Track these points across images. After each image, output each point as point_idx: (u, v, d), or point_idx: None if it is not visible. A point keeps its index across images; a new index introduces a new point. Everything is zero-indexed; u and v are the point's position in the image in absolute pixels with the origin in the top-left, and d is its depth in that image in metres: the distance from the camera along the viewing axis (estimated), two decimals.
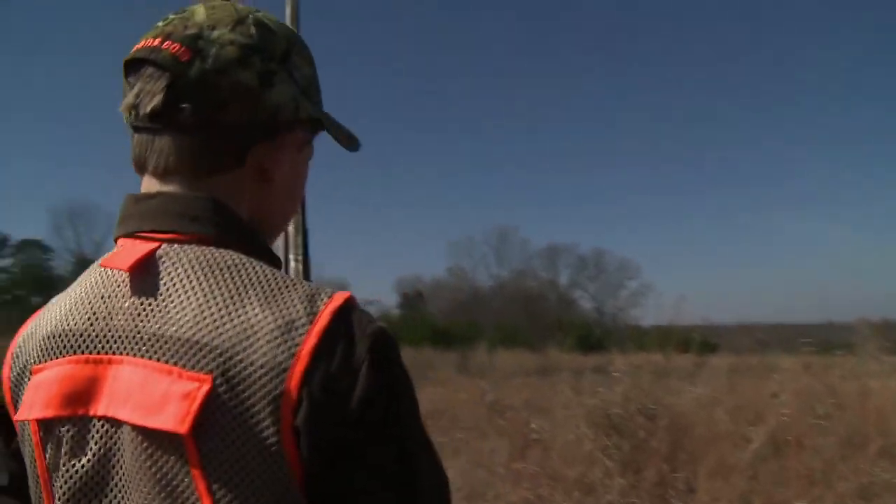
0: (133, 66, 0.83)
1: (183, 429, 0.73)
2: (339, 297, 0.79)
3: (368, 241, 68.44)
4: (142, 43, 0.83)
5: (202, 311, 0.77)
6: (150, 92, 0.81)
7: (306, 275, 1.25)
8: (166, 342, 0.76)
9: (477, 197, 69.03)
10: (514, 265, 48.74)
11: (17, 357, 0.87)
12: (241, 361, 0.74)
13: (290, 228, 1.32)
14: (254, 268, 0.80)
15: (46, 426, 0.82)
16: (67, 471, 0.80)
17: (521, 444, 5.32)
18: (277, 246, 1.29)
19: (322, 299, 0.78)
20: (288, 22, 1.45)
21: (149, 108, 0.81)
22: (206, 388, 0.73)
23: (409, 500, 0.76)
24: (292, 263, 1.29)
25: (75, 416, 0.80)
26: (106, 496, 0.79)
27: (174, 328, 0.77)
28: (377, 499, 0.75)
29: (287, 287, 0.79)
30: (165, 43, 0.81)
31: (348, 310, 0.78)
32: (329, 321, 0.76)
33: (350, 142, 1.02)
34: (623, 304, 47.60)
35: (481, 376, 12.37)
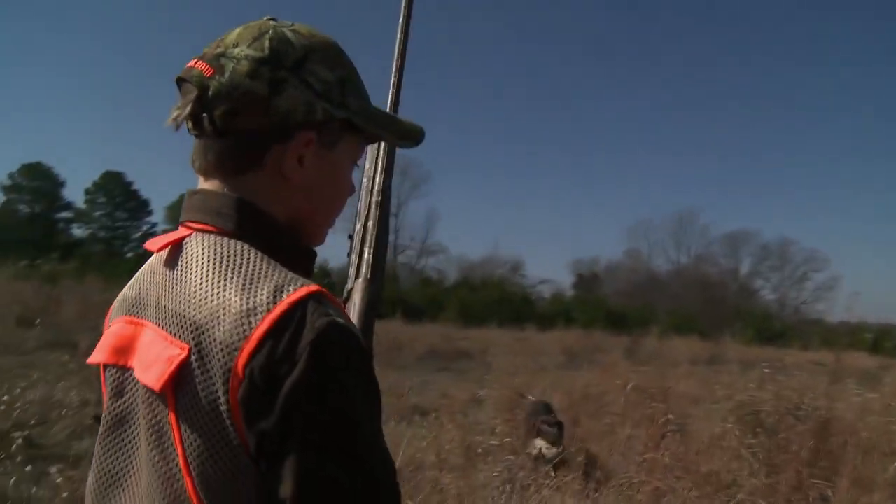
0: (179, 83, 0.98)
1: (157, 386, 0.87)
2: (304, 290, 0.86)
3: (547, 221, 68.33)
4: (188, 63, 0.98)
5: (195, 291, 0.89)
6: (185, 104, 0.94)
7: (378, 266, 1.40)
8: (169, 314, 0.91)
9: (659, 180, 67.26)
10: (693, 251, 47.18)
11: (110, 313, 1.08)
12: (210, 337, 0.85)
13: (369, 223, 1.44)
14: (249, 258, 0.90)
15: (105, 370, 1.02)
16: (109, 409, 1.00)
17: (658, 434, 5.31)
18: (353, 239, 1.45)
19: (288, 290, 0.86)
20: (401, 20, 1.44)
21: (181, 118, 0.94)
22: (183, 355, 0.86)
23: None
24: (366, 255, 1.41)
25: (118, 364, 0.98)
26: (128, 433, 0.97)
27: (176, 303, 0.91)
28: (288, 492, 0.81)
29: (266, 276, 0.88)
30: (198, 63, 0.96)
31: (305, 302, 0.85)
32: (284, 310, 0.84)
33: (403, 137, 1.11)
34: (807, 297, 44.95)
35: (648, 363, 12.17)
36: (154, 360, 0.90)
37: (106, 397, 1.04)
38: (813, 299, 44.49)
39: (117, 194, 45.63)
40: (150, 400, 0.92)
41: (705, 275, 44.64)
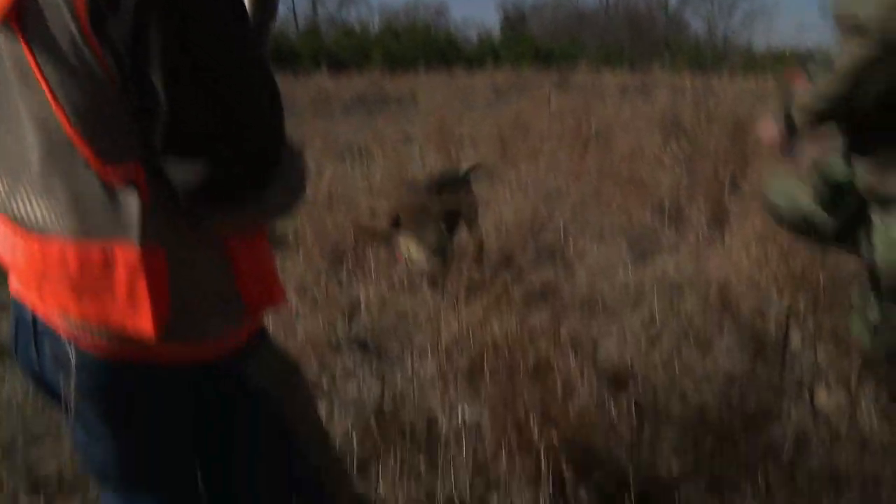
0: None
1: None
2: None
3: None
4: None
5: None
6: None
7: None
8: None
9: None
10: None
11: None
12: None
13: None
14: None
15: None
16: None
17: (583, 145, 5.48)
18: None
19: None
20: None
21: None
22: None
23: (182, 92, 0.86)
24: None
25: None
26: (10, 92, 0.96)
27: None
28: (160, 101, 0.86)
29: None
30: None
31: None
32: None
33: None
34: (736, 25, 44.80)
35: (577, 93, 12.17)
36: None
37: None
38: (741, 28, 44.37)
39: None
40: (5, 37, 0.91)
41: (633, 9, 43.87)
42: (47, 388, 1.10)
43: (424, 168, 5.77)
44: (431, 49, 28.12)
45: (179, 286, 0.96)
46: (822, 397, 2.34)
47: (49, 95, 0.89)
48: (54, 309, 0.99)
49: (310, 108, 10.10)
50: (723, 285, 3.07)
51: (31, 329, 1.05)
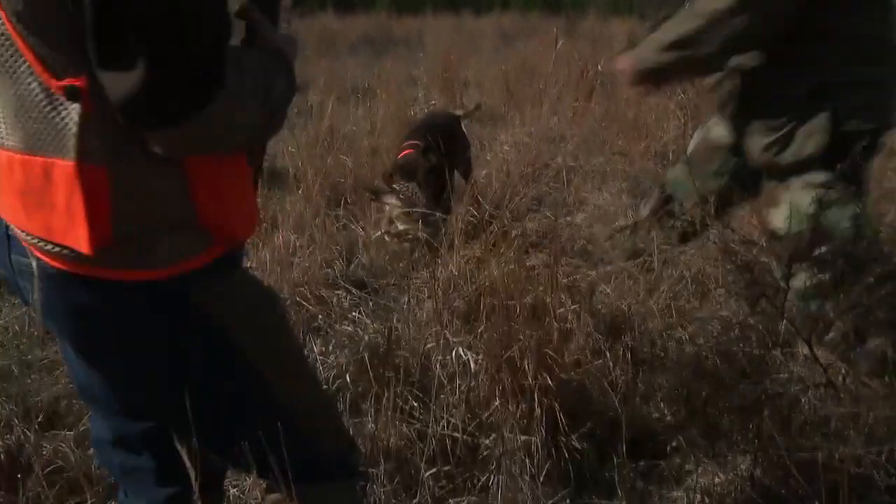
0: None
1: None
2: None
3: None
4: None
5: None
6: None
7: None
8: None
9: None
10: None
11: None
12: None
13: None
14: None
15: None
16: None
17: (588, 87, 5.41)
18: None
19: None
20: None
21: None
22: None
23: None
24: None
25: None
26: None
27: None
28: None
29: None
30: None
31: None
32: None
33: None
34: None
35: (587, 41, 11.98)
36: None
37: None
38: None
39: None
40: None
41: None
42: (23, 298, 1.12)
43: (428, 109, 5.69)
44: None
45: (125, 208, 0.93)
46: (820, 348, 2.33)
47: None
48: (9, 219, 1.00)
49: (315, 47, 9.93)
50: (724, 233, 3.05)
51: (4, 236, 1.05)
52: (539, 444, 2.01)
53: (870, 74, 2.16)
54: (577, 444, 2.03)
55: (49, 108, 0.89)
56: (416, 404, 2.18)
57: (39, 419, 2.13)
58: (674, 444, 2.10)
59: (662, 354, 2.40)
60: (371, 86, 6.86)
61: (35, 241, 0.97)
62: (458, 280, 2.49)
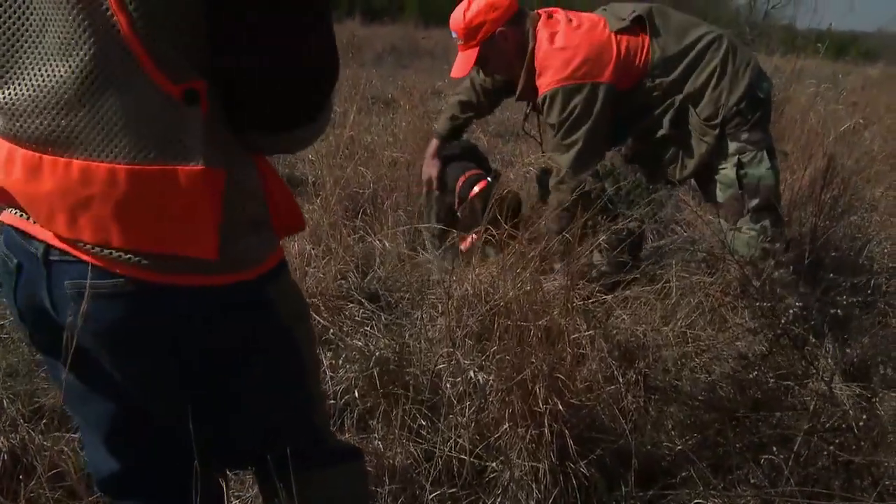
0: None
1: None
2: None
3: None
4: None
5: None
6: None
7: None
8: None
9: None
10: None
11: None
12: None
13: None
14: None
15: None
16: None
17: None
18: None
19: None
20: None
21: None
22: None
23: None
24: None
25: None
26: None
27: None
28: None
29: None
30: None
31: None
32: None
33: None
34: (777, 1, 43.70)
35: None
36: None
37: None
38: (783, 4, 43.34)
39: None
40: None
41: None
42: (53, 332, 1.04)
43: None
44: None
45: (226, 209, 0.93)
46: (839, 387, 2.29)
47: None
48: (89, 236, 0.93)
49: (341, 54, 9.94)
50: (743, 262, 3.01)
51: (40, 265, 1.00)
52: (547, 470, 1.98)
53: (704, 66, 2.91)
54: (585, 471, 2.00)
55: (167, 113, 0.88)
56: (423, 423, 2.16)
57: (44, 420, 2.12)
58: (683, 474, 2.06)
59: (676, 383, 2.36)
60: (394, 97, 6.86)
61: (127, 253, 0.93)
62: (472, 299, 2.46)
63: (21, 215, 1.02)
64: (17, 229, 1.03)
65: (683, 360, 2.44)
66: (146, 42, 0.84)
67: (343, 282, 3.06)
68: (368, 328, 2.72)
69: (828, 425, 1.98)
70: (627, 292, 2.75)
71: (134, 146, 0.88)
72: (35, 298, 1.03)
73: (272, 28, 0.88)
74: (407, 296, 3.04)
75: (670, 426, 2.25)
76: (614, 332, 2.45)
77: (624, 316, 2.61)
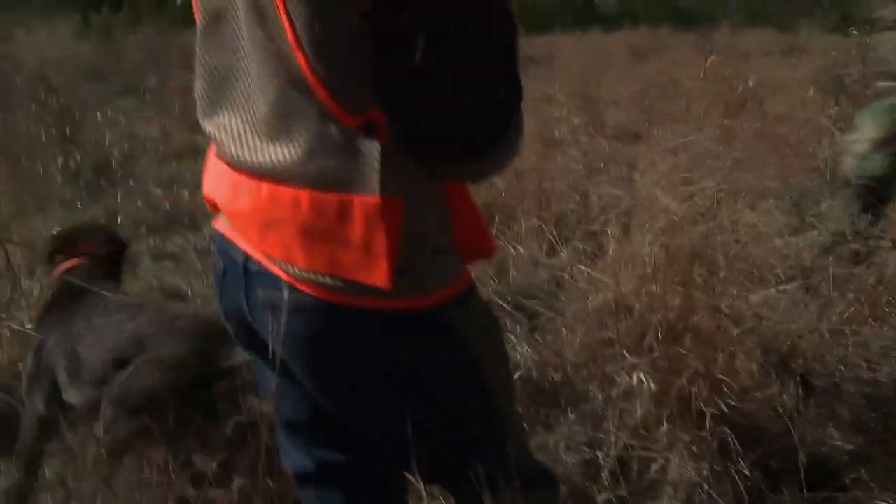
0: None
1: None
2: None
3: None
4: None
5: None
6: None
7: None
8: None
9: None
10: None
11: None
12: None
13: None
14: None
15: None
16: (203, 9, 1.03)
17: (737, 103, 5.23)
18: None
19: None
20: None
21: None
22: None
23: None
24: None
25: None
26: (229, 26, 0.99)
27: None
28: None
29: None
30: None
31: None
32: None
33: None
34: None
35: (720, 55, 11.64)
36: None
37: (196, 2, 1.04)
38: None
39: None
40: None
41: None
42: (251, 333, 1.12)
43: (570, 128, 5.66)
44: (567, 6, 27.68)
45: (406, 236, 0.94)
46: None
47: (290, 34, 0.88)
48: (277, 254, 0.99)
49: None
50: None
51: (241, 272, 1.06)
52: (709, 472, 1.95)
53: None
54: (747, 472, 1.96)
55: (345, 142, 0.91)
56: (579, 429, 2.16)
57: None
58: (853, 476, 1.99)
59: (837, 381, 2.28)
60: None
61: (308, 274, 0.97)
62: (617, 304, 2.44)
63: (229, 224, 1.10)
64: (225, 237, 1.11)
65: (843, 358, 2.35)
66: (324, 78, 0.88)
67: (483, 289, 3.09)
68: (511, 336, 2.72)
69: None
70: (775, 290, 2.67)
71: (316, 175, 0.92)
72: (236, 301, 1.10)
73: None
74: (545, 303, 3.04)
75: (832, 425, 2.18)
76: (766, 331, 2.39)
77: (774, 315, 2.53)
